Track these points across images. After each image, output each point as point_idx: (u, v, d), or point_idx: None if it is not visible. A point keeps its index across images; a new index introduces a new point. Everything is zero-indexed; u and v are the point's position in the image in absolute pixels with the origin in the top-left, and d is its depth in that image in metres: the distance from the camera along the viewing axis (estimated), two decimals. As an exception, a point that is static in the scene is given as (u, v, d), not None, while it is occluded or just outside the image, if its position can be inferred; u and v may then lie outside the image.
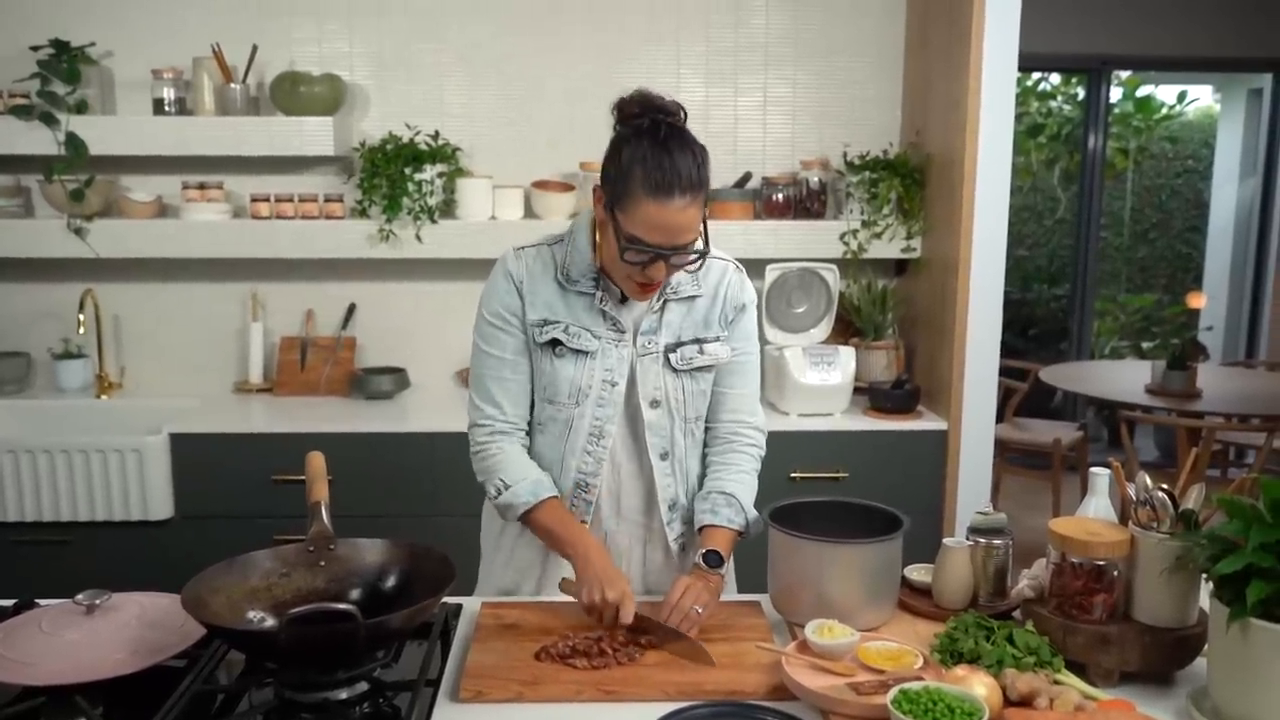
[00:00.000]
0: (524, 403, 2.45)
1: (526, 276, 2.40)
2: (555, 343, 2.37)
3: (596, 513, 2.49)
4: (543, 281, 2.39)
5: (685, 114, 2.25)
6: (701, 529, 2.41)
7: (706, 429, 2.53)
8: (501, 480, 2.39)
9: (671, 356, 2.39)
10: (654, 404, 2.41)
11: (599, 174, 2.26)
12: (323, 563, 2.17)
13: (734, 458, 2.49)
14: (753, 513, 2.44)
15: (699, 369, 2.42)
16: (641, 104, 2.22)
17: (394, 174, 4.31)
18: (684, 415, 2.45)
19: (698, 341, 2.41)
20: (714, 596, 2.27)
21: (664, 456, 2.45)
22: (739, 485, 2.45)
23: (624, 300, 2.39)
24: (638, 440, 2.45)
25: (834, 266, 4.39)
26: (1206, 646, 1.91)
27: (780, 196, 4.55)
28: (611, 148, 2.23)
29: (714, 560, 2.31)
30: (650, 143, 2.16)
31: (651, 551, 2.54)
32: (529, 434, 2.48)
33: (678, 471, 2.48)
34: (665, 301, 2.39)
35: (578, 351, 2.37)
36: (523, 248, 2.45)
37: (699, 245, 2.25)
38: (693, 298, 2.42)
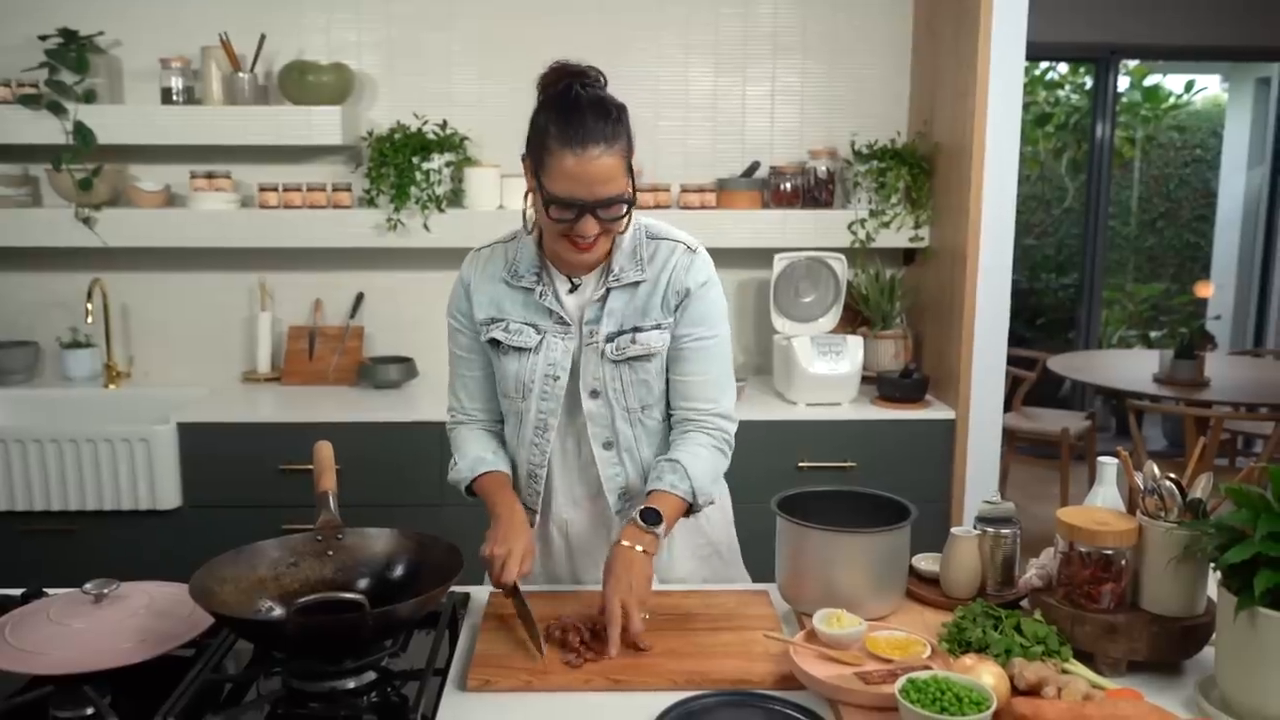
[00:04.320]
0: (479, 395, 2.54)
1: (474, 277, 2.46)
2: (495, 342, 2.41)
3: (551, 501, 2.52)
4: (489, 281, 2.44)
5: (604, 79, 2.28)
6: (647, 495, 2.36)
7: (667, 416, 2.50)
8: (452, 460, 2.51)
9: (608, 346, 2.37)
10: (593, 394, 2.40)
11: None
12: (330, 552, 2.18)
13: (690, 435, 2.42)
14: (703, 484, 2.36)
15: (634, 358, 2.37)
16: (557, 72, 2.26)
17: (402, 163, 4.31)
18: (625, 405, 2.41)
19: (635, 330, 2.37)
20: (648, 581, 2.21)
21: (607, 446, 2.44)
22: (686, 454, 2.37)
23: (573, 290, 2.39)
24: (583, 429, 2.45)
25: (842, 256, 4.39)
26: (1214, 636, 1.90)
27: (788, 186, 4.54)
28: (531, 117, 2.25)
29: (651, 517, 2.25)
30: (562, 102, 2.19)
31: (612, 540, 2.54)
32: (503, 423, 2.55)
33: (627, 461, 2.45)
34: (609, 290, 2.37)
35: (519, 348, 2.39)
36: (480, 248, 2.50)
37: (626, 198, 2.24)
38: (636, 284, 2.38)
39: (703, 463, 2.37)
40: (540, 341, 2.38)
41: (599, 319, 2.37)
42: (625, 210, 2.24)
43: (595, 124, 2.16)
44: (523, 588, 2.25)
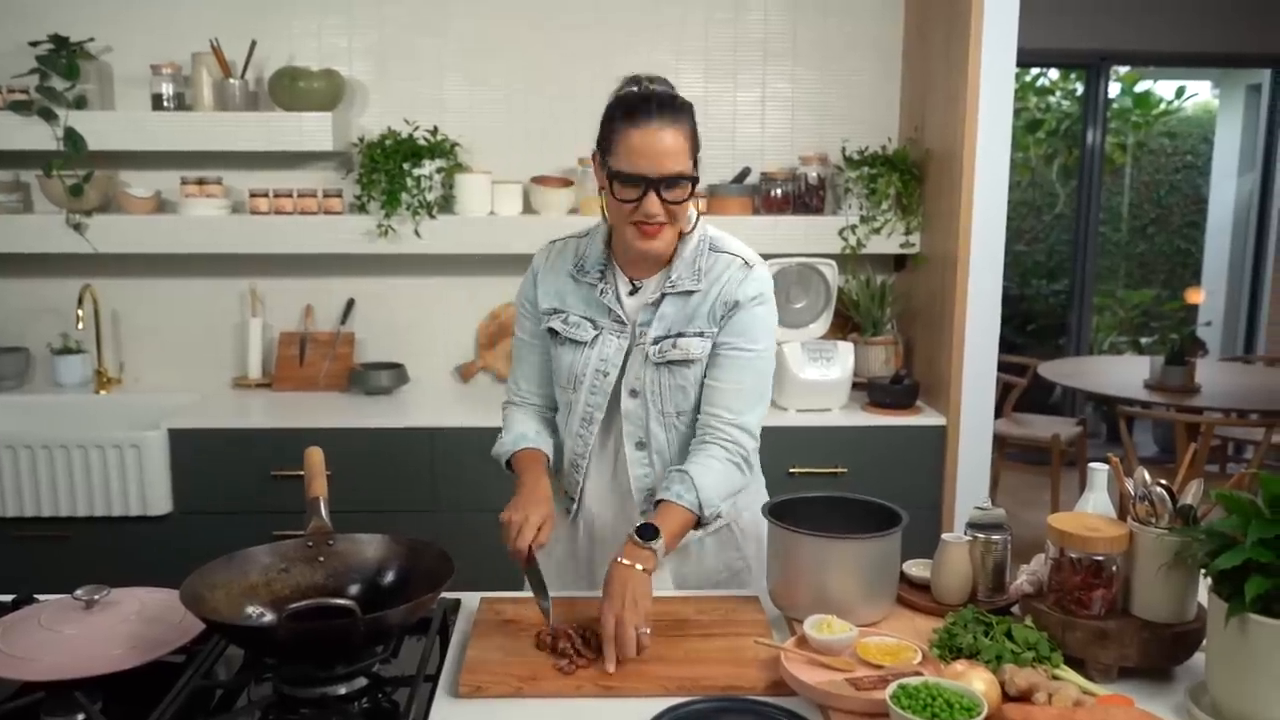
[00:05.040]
0: (535, 379, 2.61)
1: (543, 268, 2.55)
2: (553, 331, 2.49)
3: (584, 493, 2.58)
4: (557, 273, 2.52)
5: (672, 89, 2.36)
6: (656, 504, 2.37)
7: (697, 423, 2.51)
8: (499, 437, 2.57)
9: (652, 348, 2.41)
10: (633, 393, 2.45)
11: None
12: (321, 558, 2.18)
13: (705, 447, 2.42)
14: (711, 496, 2.34)
15: (673, 362, 2.41)
16: (631, 79, 2.35)
17: (393, 169, 4.31)
18: (661, 408, 2.45)
19: (678, 335, 2.41)
20: (647, 596, 2.18)
21: (640, 446, 2.48)
22: (699, 467, 2.37)
23: (633, 292, 2.45)
24: (620, 428, 2.49)
25: (833, 262, 4.39)
26: (1205, 642, 1.91)
27: (779, 192, 4.55)
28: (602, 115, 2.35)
29: (648, 533, 2.24)
30: (630, 92, 2.31)
31: None
32: (555, 409, 2.62)
33: (657, 463, 2.49)
34: (664, 295, 2.41)
35: (574, 341, 2.47)
36: (555, 240, 2.59)
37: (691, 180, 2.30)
38: (690, 293, 2.42)
39: (713, 475, 2.37)
40: (596, 337, 2.46)
41: (650, 322, 2.42)
42: (689, 191, 2.30)
43: (660, 105, 2.25)
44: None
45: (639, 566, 2.20)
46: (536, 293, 2.53)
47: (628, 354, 2.45)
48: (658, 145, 2.22)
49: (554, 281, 2.51)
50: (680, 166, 2.25)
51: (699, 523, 2.37)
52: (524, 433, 2.53)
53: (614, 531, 2.56)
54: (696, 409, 2.47)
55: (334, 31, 4.56)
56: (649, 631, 2.12)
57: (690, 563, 2.59)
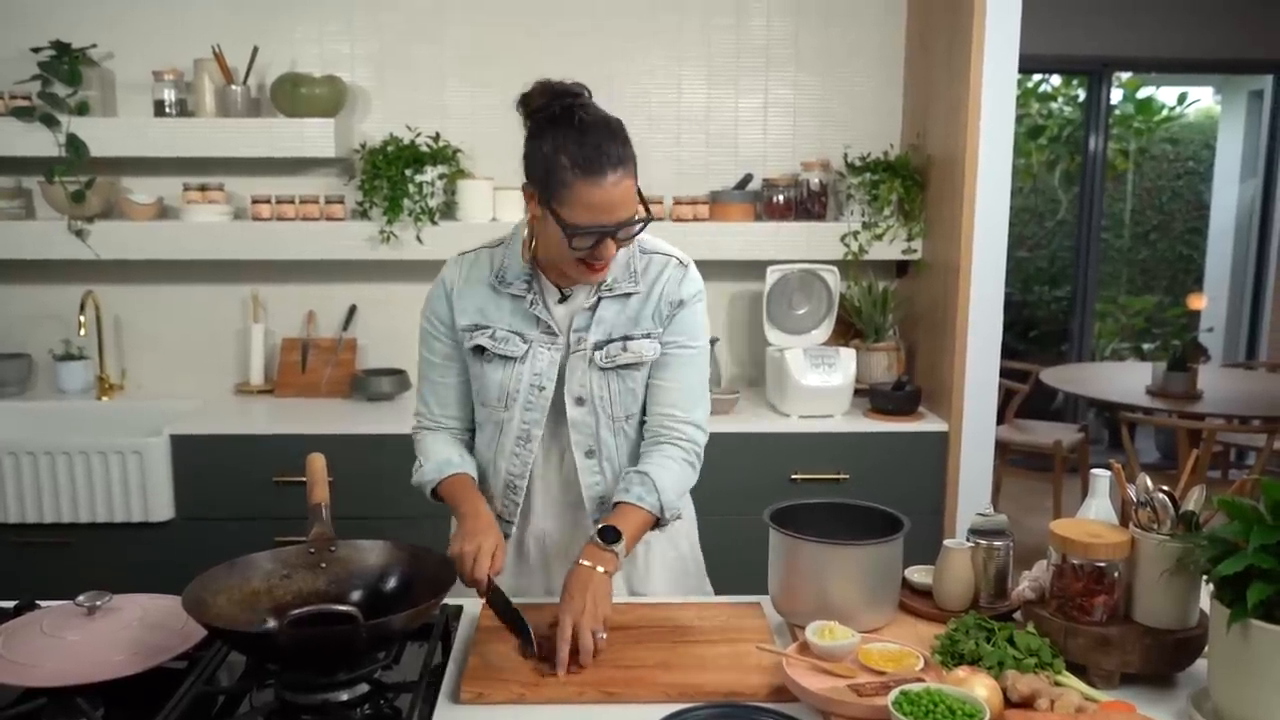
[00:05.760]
0: (452, 403, 2.54)
1: (459, 282, 2.44)
2: (481, 349, 2.40)
3: (529, 510, 2.52)
4: (475, 286, 2.42)
5: (589, 93, 2.24)
6: (614, 507, 2.36)
7: (642, 424, 2.49)
8: (417, 463, 2.51)
9: (597, 354, 2.36)
10: (579, 401, 2.40)
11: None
12: (324, 564, 2.18)
13: (660, 448, 2.41)
14: (671, 498, 2.35)
15: (623, 366, 2.38)
16: (545, 92, 2.22)
17: (395, 175, 4.31)
18: (610, 414, 2.42)
19: (625, 339, 2.38)
20: (607, 599, 2.19)
21: (589, 454, 2.44)
22: (657, 468, 2.37)
23: (562, 300, 2.39)
24: (565, 438, 2.44)
25: (835, 268, 4.39)
26: (1207, 648, 1.90)
27: (781, 198, 4.55)
28: (530, 143, 2.21)
29: (610, 535, 2.24)
30: (567, 128, 2.15)
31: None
32: (471, 432, 2.56)
33: (607, 470, 2.45)
34: (600, 299, 2.37)
35: (504, 357, 2.39)
36: (465, 252, 2.49)
37: (639, 215, 2.24)
38: (628, 295, 2.39)
39: (671, 475, 2.37)
40: (527, 351, 2.38)
41: (588, 327, 2.37)
42: (640, 227, 2.25)
43: (609, 149, 2.14)
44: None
45: (600, 569, 2.20)
46: (452, 310, 2.44)
47: (562, 364, 2.39)
48: (615, 198, 2.15)
49: (472, 296, 2.41)
50: (634, 208, 2.21)
51: (657, 524, 2.37)
52: (448, 458, 2.46)
53: (567, 544, 2.51)
54: (643, 412, 2.46)
55: (336, 38, 4.57)
56: (604, 635, 2.12)
57: (636, 568, 2.57)
